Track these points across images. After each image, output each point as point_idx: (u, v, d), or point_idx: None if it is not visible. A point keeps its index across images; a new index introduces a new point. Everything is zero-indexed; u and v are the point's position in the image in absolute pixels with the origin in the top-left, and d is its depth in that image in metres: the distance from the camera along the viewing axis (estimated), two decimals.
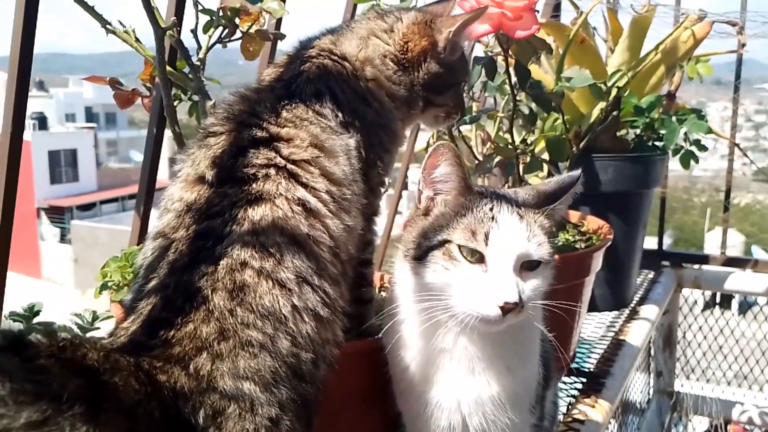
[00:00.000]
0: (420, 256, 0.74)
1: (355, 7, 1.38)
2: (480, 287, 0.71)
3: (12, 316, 0.73)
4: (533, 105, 1.31)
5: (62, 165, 24.59)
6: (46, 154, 23.88)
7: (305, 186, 0.69)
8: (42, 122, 25.72)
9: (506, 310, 0.70)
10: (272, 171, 0.69)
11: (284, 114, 0.74)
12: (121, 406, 0.51)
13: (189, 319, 0.59)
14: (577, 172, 0.83)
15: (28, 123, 25.19)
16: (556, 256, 0.84)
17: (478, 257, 0.72)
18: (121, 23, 0.94)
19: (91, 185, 24.73)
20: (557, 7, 2.35)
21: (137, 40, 0.95)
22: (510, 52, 1.11)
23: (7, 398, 0.44)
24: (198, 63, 0.98)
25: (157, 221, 0.71)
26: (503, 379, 0.79)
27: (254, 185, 0.68)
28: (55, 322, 0.75)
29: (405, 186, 2.21)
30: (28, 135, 23.85)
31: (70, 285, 20.59)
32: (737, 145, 2.33)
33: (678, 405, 2.50)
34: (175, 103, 1.11)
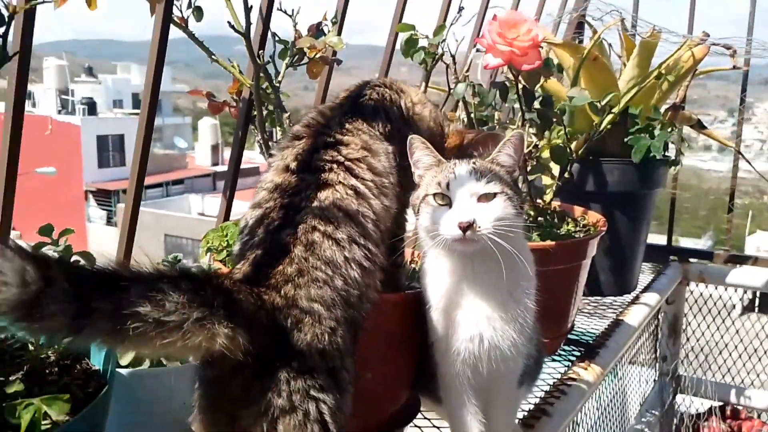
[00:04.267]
0: (417, 210, 1.06)
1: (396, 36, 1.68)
2: (448, 218, 1.01)
3: (163, 262, 1.04)
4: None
5: (110, 149, 25.43)
6: (94, 139, 24.72)
7: (356, 177, 0.97)
8: (91, 108, 26.57)
9: (464, 228, 0.98)
10: (335, 165, 0.97)
11: (347, 126, 1.02)
12: (245, 313, 0.80)
13: (279, 263, 0.87)
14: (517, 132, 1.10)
15: (78, 108, 26.07)
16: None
17: (447, 201, 1.02)
18: (230, 60, 1.25)
19: None
20: (580, 25, 2.60)
21: (240, 72, 1.26)
22: (520, 78, 1.39)
23: (184, 304, 0.75)
24: (277, 84, 1.28)
25: (254, 196, 1.00)
26: (507, 301, 1.06)
27: (323, 175, 0.96)
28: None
29: None
30: (77, 119, 24.70)
31: None
32: (741, 154, 2.56)
33: (680, 387, 2.74)
34: (254, 113, 1.42)
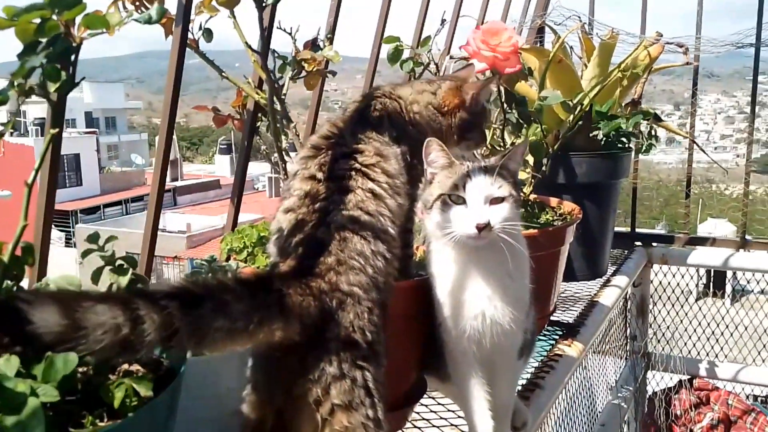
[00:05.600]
0: (429, 206, 1.18)
1: (380, 46, 1.81)
2: (464, 218, 1.14)
3: (202, 262, 1.15)
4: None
5: (65, 170, 25.02)
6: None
7: (373, 180, 1.09)
8: (44, 128, 26.03)
9: (480, 228, 1.12)
10: (353, 172, 1.09)
11: (359, 135, 1.15)
12: (294, 305, 0.91)
13: (321, 256, 0.99)
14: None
15: (31, 129, 25.57)
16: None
17: (462, 200, 1.14)
18: (245, 77, 1.35)
19: (94, 189, 25.19)
20: (541, 30, 2.77)
21: (256, 88, 1.37)
22: (501, 80, 1.53)
23: (247, 312, 0.86)
24: (283, 97, 1.39)
25: (284, 201, 1.10)
26: (506, 282, 1.19)
27: (344, 181, 1.08)
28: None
29: None
30: (30, 141, 24.22)
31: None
32: (696, 143, 2.76)
33: (650, 363, 2.93)
34: (258, 124, 1.53)
